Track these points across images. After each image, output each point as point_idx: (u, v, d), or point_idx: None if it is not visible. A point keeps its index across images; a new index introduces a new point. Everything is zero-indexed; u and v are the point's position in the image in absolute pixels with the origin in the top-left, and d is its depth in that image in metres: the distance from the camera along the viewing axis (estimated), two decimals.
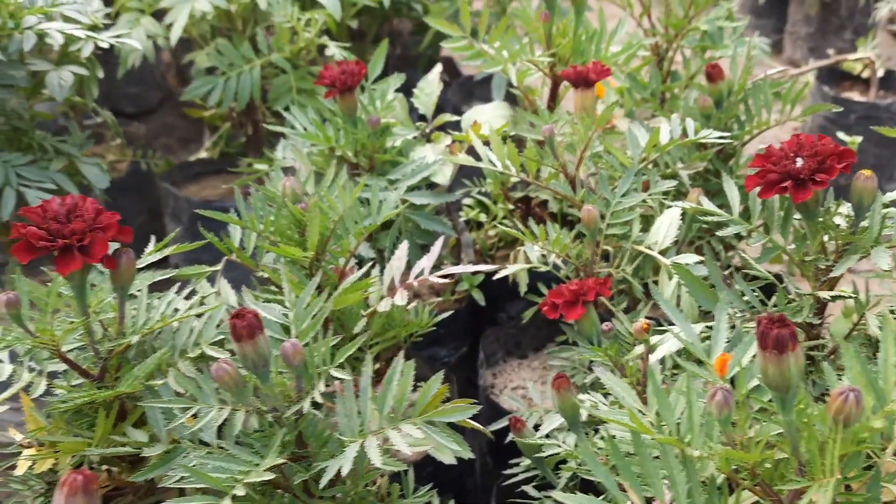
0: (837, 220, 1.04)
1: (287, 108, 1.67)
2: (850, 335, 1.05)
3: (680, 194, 1.37)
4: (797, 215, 1.05)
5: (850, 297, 1.02)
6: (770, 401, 0.74)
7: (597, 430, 1.02)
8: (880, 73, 2.59)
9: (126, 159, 2.12)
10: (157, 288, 1.05)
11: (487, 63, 1.54)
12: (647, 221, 1.31)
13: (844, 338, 1.04)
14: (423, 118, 1.62)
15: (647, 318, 1.10)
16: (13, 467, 1.03)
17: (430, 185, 1.49)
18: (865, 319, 1.03)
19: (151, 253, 1.04)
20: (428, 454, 1.24)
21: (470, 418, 0.89)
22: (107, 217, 0.86)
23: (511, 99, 1.99)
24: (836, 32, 3.43)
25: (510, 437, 1.14)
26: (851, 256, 1.00)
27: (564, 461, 1.06)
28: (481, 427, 0.99)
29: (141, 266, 1.00)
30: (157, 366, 0.94)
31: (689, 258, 1.15)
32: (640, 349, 1.02)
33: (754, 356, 0.79)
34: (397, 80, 1.53)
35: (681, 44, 1.64)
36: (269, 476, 0.79)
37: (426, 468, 1.28)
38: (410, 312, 1.20)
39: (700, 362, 0.84)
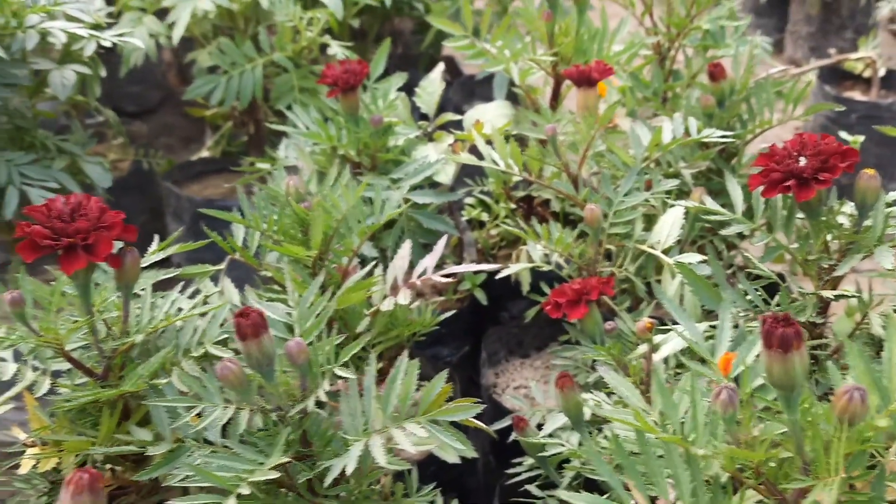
0: (840, 219, 1.04)
1: (289, 107, 1.67)
2: (853, 334, 1.05)
3: (682, 193, 1.37)
4: (800, 214, 1.05)
5: (854, 297, 1.02)
6: (775, 400, 0.74)
7: (600, 430, 1.02)
8: (881, 72, 2.59)
9: (128, 158, 2.12)
10: (160, 287, 1.05)
11: (490, 62, 1.54)
12: (649, 220, 1.31)
13: (848, 337, 1.04)
14: (424, 117, 1.62)
15: (649, 317, 1.10)
16: (17, 466, 1.03)
17: (432, 185, 1.49)
18: (869, 319, 1.03)
19: (155, 252, 1.04)
20: (430, 453, 1.25)
21: (473, 418, 0.89)
22: (111, 216, 0.86)
23: (512, 98, 1.99)
24: (836, 32, 3.43)
25: (513, 436, 1.14)
26: (854, 255, 1.00)
27: (567, 460, 1.07)
28: (485, 426, 0.99)
29: (144, 265, 1.00)
30: (162, 365, 0.94)
31: (693, 257, 1.15)
32: (643, 348, 1.02)
33: (758, 355, 0.79)
34: (399, 79, 1.53)
35: (682, 43, 1.63)
36: (274, 475, 0.80)
37: (429, 467, 1.28)
38: (413, 311, 1.21)
39: (703, 361, 0.84)
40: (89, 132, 1.65)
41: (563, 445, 1.04)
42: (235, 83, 1.78)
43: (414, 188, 1.43)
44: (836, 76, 2.70)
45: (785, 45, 3.65)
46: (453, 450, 0.88)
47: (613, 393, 1.07)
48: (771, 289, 1.11)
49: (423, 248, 1.44)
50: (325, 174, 1.31)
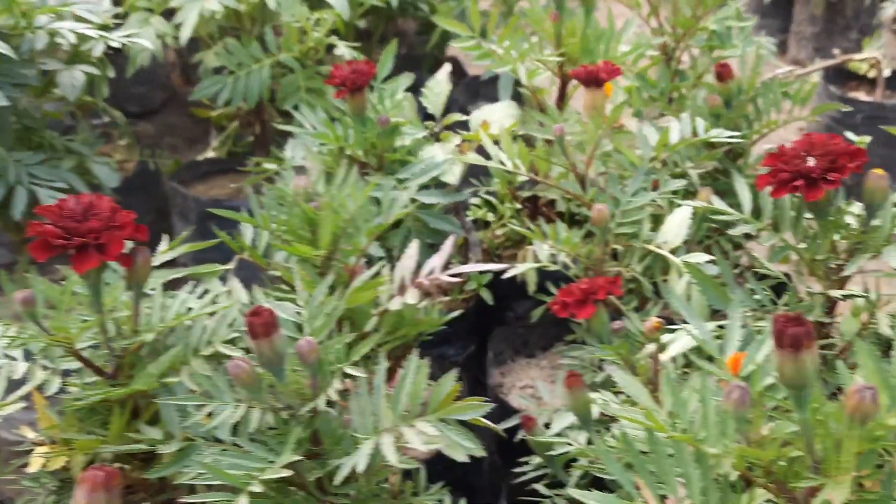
0: (848, 219, 1.04)
1: (296, 108, 1.67)
2: (860, 335, 1.05)
3: (689, 193, 1.37)
4: (808, 214, 1.05)
5: (862, 297, 1.02)
6: (785, 398, 0.75)
7: (608, 429, 1.02)
8: (886, 72, 2.59)
9: (134, 159, 2.13)
10: (166, 287, 1.05)
11: (496, 62, 1.55)
12: (656, 220, 1.31)
13: (853, 339, 1.04)
14: (431, 117, 1.62)
15: (657, 317, 1.10)
16: (26, 465, 1.03)
17: (438, 185, 1.49)
18: (876, 318, 1.03)
19: (165, 252, 1.04)
20: (437, 453, 1.25)
21: (480, 417, 0.89)
22: (123, 216, 0.87)
23: (517, 99, 1.99)
24: (841, 32, 3.43)
25: (519, 435, 1.14)
26: (862, 255, 1.01)
27: (574, 459, 1.07)
28: (493, 425, 1.00)
29: (154, 265, 1.00)
30: (172, 364, 0.94)
31: (700, 257, 1.15)
32: (651, 348, 1.03)
33: (768, 354, 0.79)
34: (407, 79, 1.54)
35: (688, 43, 1.64)
36: (286, 473, 0.80)
37: (435, 466, 1.28)
38: (420, 311, 1.21)
39: (711, 360, 0.84)
40: (96, 133, 1.66)
41: (571, 444, 1.04)
42: (242, 84, 1.78)
43: (421, 188, 1.43)
44: (840, 76, 2.70)
45: (789, 46, 3.65)
46: (463, 448, 0.88)
47: (621, 392, 1.07)
48: (776, 289, 1.12)
49: (429, 248, 1.44)
50: (332, 174, 1.31)
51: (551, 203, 1.64)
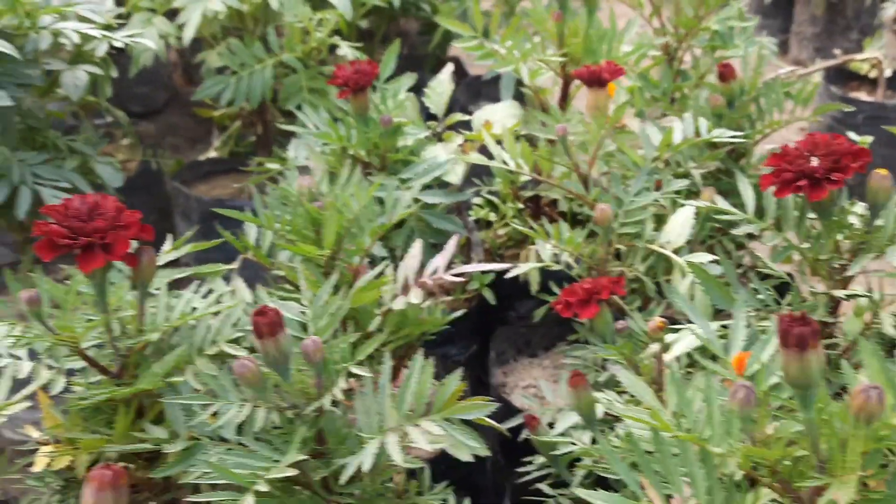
0: (851, 219, 1.04)
1: (299, 108, 1.67)
2: (863, 334, 1.05)
3: (692, 193, 1.37)
4: (811, 214, 1.05)
5: (865, 296, 1.02)
6: (789, 398, 0.75)
7: (612, 429, 1.03)
8: (888, 73, 2.59)
9: (136, 159, 2.13)
10: (169, 286, 1.05)
11: (499, 62, 1.55)
12: (659, 220, 1.31)
13: (857, 338, 1.04)
14: (433, 117, 1.62)
15: (660, 316, 1.10)
16: (30, 464, 1.04)
17: (441, 185, 1.50)
18: (880, 318, 1.03)
19: (169, 251, 1.04)
20: (440, 452, 1.25)
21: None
22: (128, 215, 0.87)
23: (519, 99, 2.00)
24: (842, 33, 3.43)
25: (522, 434, 1.14)
26: (866, 255, 1.01)
27: (578, 459, 1.07)
28: (497, 425, 1.00)
29: (159, 264, 1.00)
30: (177, 363, 0.95)
31: (703, 257, 1.15)
32: (654, 348, 1.03)
33: (773, 354, 0.80)
34: (409, 79, 1.54)
35: (691, 43, 1.64)
36: (292, 472, 0.80)
37: (438, 466, 1.28)
38: (424, 311, 1.21)
39: (715, 359, 0.85)
40: (100, 133, 1.66)
41: (575, 444, 1.05)
42: (245, 84, 1.79)
43: (423, 188, 1.44)
44: (841, 77, 2.70)
45: (790, 46, 3.65)
46: (467, 448, 0.89)
47: (624, 392, 1.07)
48: (779, 289, 1.12)
49: (432, 248, 1.44)
50: (335, 174, 1.31)
51: (553, 203, 1.64)
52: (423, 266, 1.19)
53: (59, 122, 1.94)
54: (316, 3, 1.85)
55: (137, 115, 2.63)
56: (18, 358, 1.03)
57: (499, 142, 1.37)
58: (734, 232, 1.10)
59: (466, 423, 0.87)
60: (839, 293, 1.01)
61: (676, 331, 1.03)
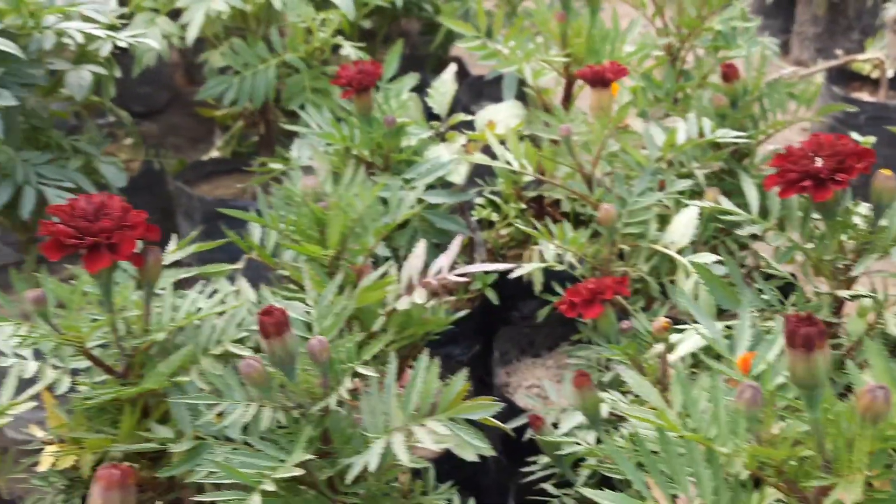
0: (855, 219, 1.04)
1: (302, 107, 1.67)
2: (867, 335, 1.06)
3: (695, 193, 1.37)
4: (815, 215, 1.06)
5: (869, 297, 1.03)
6: (795, 398, 0.75)
7: (616, 429, 1.03)
8: (890, 73, 2.59)
9: (138, 158, 2.13)
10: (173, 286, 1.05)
11: (502, 63, 1.55)
12: (662, 220, 1.31)
13: (862, 338, 1.04)
14: (436, 117, 1.62)
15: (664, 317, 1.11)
16: (35, 464, 1.04)
17: (444, 185, 1.50)
18: (884, 319, 1.03)
19: (174, 251, 1.05)
20: (443, 452, 1.25)
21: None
22: (134, 215, 0.87)
23: (521, 99, 2.00)
24: (843, 33, 3.43)
25: (526, 434, 1.15)
26: (870, 256, 1.01)
27: (582, 459, 1.07)
28: (502, 425, 1.00)
29: (164, 264, 1.00)
30: (182, 363, 0.95)
31: (707, 257, 1.15)
32: (659, 348, 1.03)
33: (779, 354, 0.80)
34: (412, 79, 1.54)
35: (693, 44, 1.64)
36: (298, 472, 0.80)
37: (442, 466, 1.28)
38: (428, 311, 1.21)
39: (719, 360, 0.85)
40: (105, 132, 1.66)
41: (580, 444, 1.05)
42: (248, 84, 1.79)
43: (427, 188, 1.44)
44: (843, 77, 2.70)
45: (791, 47, 3.65)
46: (472, 448, 0.89)
47: (628, 392, 1.08)
48: (783, 289, 1.12)
49: (435, 248, 1.44)
50: (339, 174, 1.31)
51: (556, 203, 1.64)
52: (426, 266, 1.19)
53: (62, 122, 1.94)
54: (318, 4, 1.85)
55: (139, 115, 2.63)
56: (24, 358, 1.03)
57: (502, 142, 1.37)
58: (739, 232, 1.10)
59: (470, 423, 0.87)
60: (843, 293, 1.01)
61: (681, 331, 1.03)
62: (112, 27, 1.50)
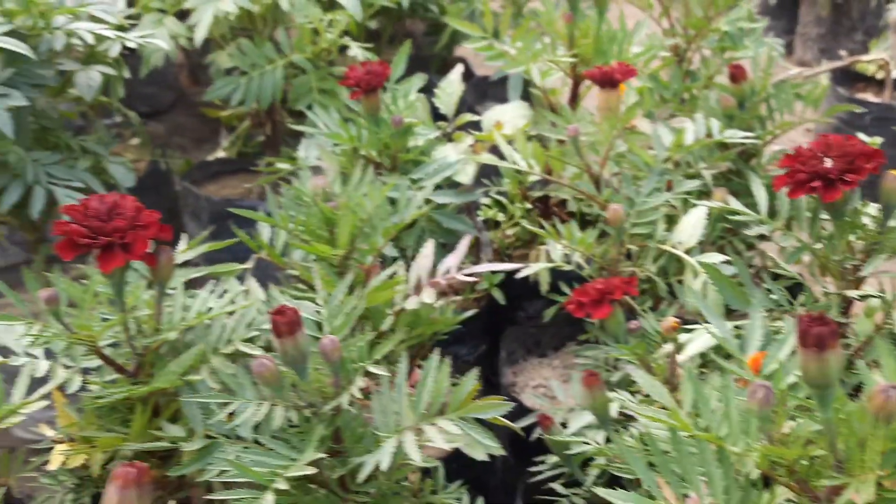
0: (864, 219, 1.05)
1: (310, 108, 1.68)
2: (875, 334, 1.06)
3: (702, 194, 1.38)
4: (824, 215, 1.06)
5: (878, 297, 1.03)
6: (807, 398, 0.75)
7: (625, 428, 1.03)
8: (894, 74, 2.59)
9: (145, 159, 2.14)
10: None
11: (510, 63, 1.55)
12: (670, 221, 1.32)
13: (871, 337, 1.05)
14: (443, 118, 1.63)
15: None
16: (44, 463, 1.04)
17: (451, 185, 1.50)
18: (892, 318, 1.03)
19: (184, 251, 1.05)
20: (450, 452, 1.26)
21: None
22: (147, 215, 0.87)
23: (526, 99, 2.00)
24: (847, 34, 3.43)
25: (535, 434, 1.15)
26: (879, 256, 1.01)
27: (591, 458, 1.07)
28: (512, 424, 1.00)
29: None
30: (193, 362, 0.95)
31: (716, 257, 1.16)
32: (668, 347, 1.03)
33: (789, 353, 0.80)
34: (419, 80, 1.55)
35: (700, 44, 1.64)
36: (311, 470, 0.81)
37: (450, 465, 1.29)
38: (436, 311, 1.22)
39: (728, 359, 0.85)
40: (113, 133, 1.66)
41: (589, 443, 1.05)
42: (256, 85, 1.79)
43: (434, 188, 1.44)
44: (848, 78, 2.71)
45: (794, 47, 3.65)
46: (483, 447, 0.89)
47: (637, 392, 1.08)
48: (790, 289, 1.12)
49: (442, 248, 1.45)
50: (347, 174, 1.32)
51: (562, 203, 1.64)
52: (435, 266, 1.20)
53: (68, 122, 1.95)
54: (325, 5, 1.86)
55: (144, 116, 2.63)
56: (35, 357, 1.04)
57: (510, 142, 1.37)
58: (747, 233, 1.10)
59: (479, 422, 0.88)
60: (852, 293, 1.01)
61: (690, 331, 1.03)
62: (121, 28, 1.50)
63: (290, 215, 1.15)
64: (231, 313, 1.02)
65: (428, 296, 1.13)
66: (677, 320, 1.02)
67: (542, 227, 1.30)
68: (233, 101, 1.82)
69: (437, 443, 0.83)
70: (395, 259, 1.34)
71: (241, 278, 1.11)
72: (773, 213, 1.10)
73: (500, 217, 1.73)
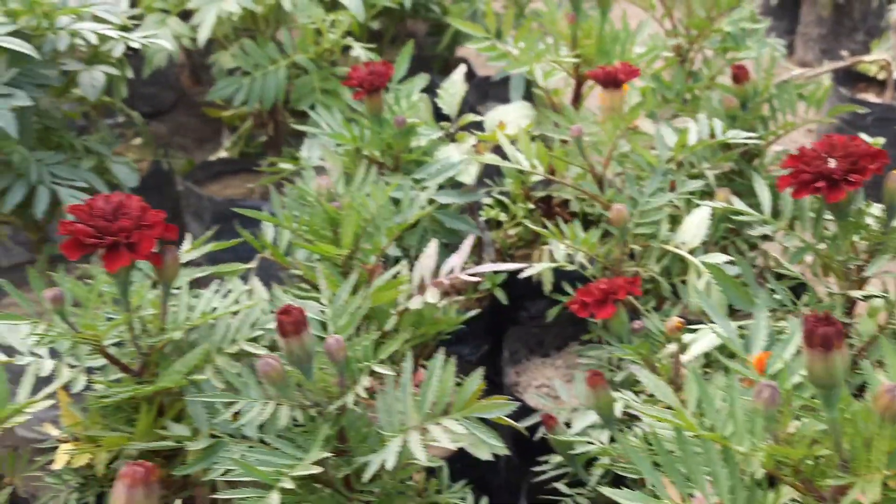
0: (868, 220, 1.05)
1: (313, 108, 1.68)
2: (879, 335, 1.06)
3: (705, 194, 1.38)
4: (827, 215, 1.06)
5: (882, 297, 1.03)
6: (812, 397, 0.75)
7: (629, 428, 1.03)
8: None
9: (147, 158, 2.14)
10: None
11: (512, 64, 1.56)
12: (673, 221, 1.32)
13: (875, 337, 1.05)
14: (445, 118, 1.63)
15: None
16: (49, 463, 1.04)
17: (454, 185, 1.50)
18: (895, 318, 1.04)
19: (189, 251, 1.05)
20: (454, 452, 1.26)
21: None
22: (152, 215, 0.88)
23: (527, 99, 2.00)
24: (848, 34, 3.43)
25: (539, 433, 1.15)
26: (883, 256, 1.01)
27: (595, 458, 1.08)
28: (516, 424, 1.01)
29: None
30: (199, 361, 0.95)
31: (719, 258, 1.16)
32: (672, 347, 1.03)
33: (796, 353, 0.80)
34: (422, 80, 1.55)
35: (702, 45, 1.65)
36: (316, 470, 0.81)
37: (454, 465, 1.29)
38: (439, 310, 1.22)
39: (733, 359, 0.85)
40: (116, 133, 1.67)
41: (593, 443, 1.05)
42: (259, 85, 1.79)
43: (437, 188, 1.44)
44: (849, 78, 2.71)
45: (796, 48, 3.65)
46: (487, 446, 0.89)
47: (641, 391, 1.08)
48: (794, 289, 1.12)
49: (444, 248, 1.45)
50: (350, 175, 1.32)
51: (564, 203, 1.64)
52: (438, 266, 1.20)
53: (70, 122, 1.95)
54: (328, 5, 1.86)
55: (145, 116, 2.63)
56: (40, 356, 1.04)
57: (513, 142, 1.38)
58: (751, 233, 1.10)
59: (483, 421, 0.88)
60: (856, 294, 1.01)
61: (693, 331, 1.03)
62: (124, 28, 1.50)
63: (293, 215, 1.15)
64: (235, 313, 1.02)
65: (431, 296, 1.14)
66: (681, 320, 1.02)
67: (544, 227, 1.30)
68: (236, 102, 1.82)
69: (442, 442, 0.83)
70: (398, 259, 1.34)
71: (244, 278, 1.11)
72: (776, 214, 1.11)
73: (503, 217, 1.73)
